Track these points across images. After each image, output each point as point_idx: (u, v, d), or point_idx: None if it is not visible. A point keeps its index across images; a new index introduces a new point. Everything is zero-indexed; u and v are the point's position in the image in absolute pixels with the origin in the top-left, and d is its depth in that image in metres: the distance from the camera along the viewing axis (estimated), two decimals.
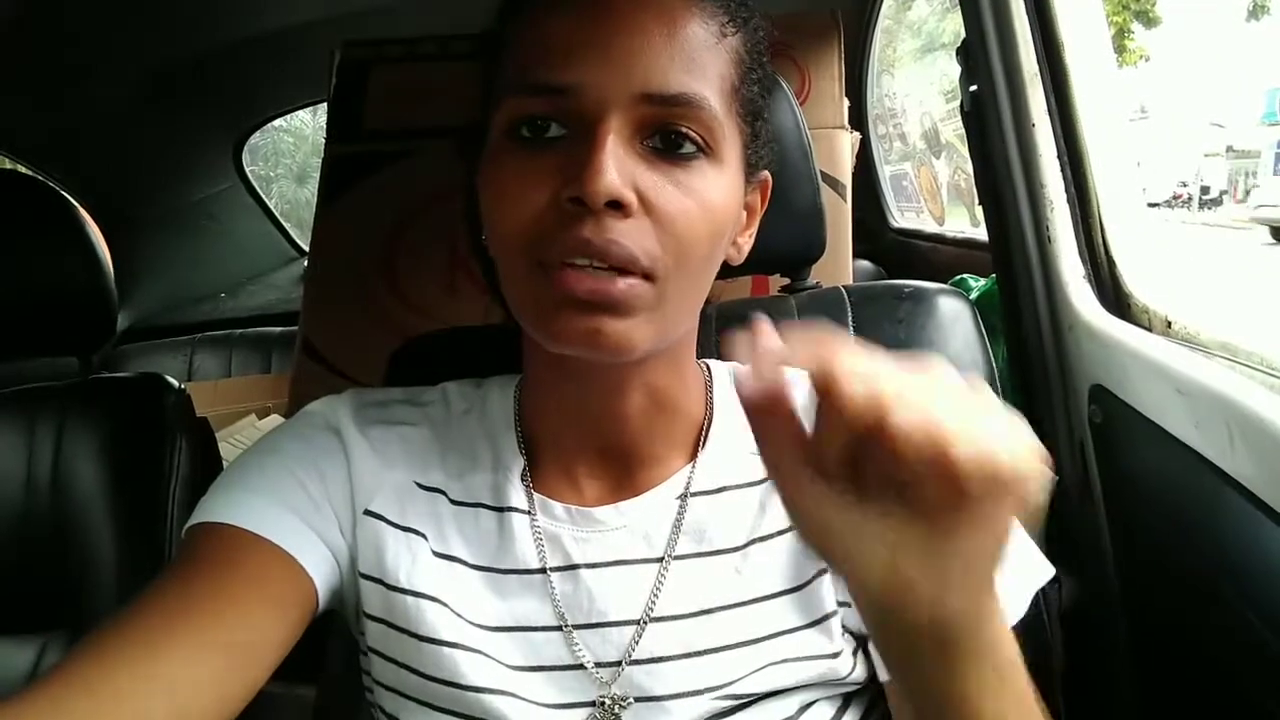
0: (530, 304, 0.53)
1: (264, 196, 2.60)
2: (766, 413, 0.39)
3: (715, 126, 0.52)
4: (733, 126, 0.54)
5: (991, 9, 1.01)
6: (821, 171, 0.94)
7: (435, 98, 1.19)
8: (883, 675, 0.59)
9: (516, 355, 0.64)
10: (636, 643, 0.58)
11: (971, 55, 1.06)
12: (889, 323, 0.86)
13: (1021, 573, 0.62)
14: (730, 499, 0.61)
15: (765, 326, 0.38)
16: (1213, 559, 0.74)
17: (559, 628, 0.58)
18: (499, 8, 0.58)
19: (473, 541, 0.60)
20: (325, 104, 1.64)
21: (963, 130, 1.14)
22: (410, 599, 0.58)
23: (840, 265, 1.39)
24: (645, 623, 0.58)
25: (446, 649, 0.57)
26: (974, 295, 1.23)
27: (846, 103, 1.54)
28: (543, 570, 0.59)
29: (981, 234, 1.34)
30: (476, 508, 0.61)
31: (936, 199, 2.45)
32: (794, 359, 0.37)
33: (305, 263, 2.26)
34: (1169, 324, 0.87)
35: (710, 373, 0.67)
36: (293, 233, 2.69)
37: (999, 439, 0.35)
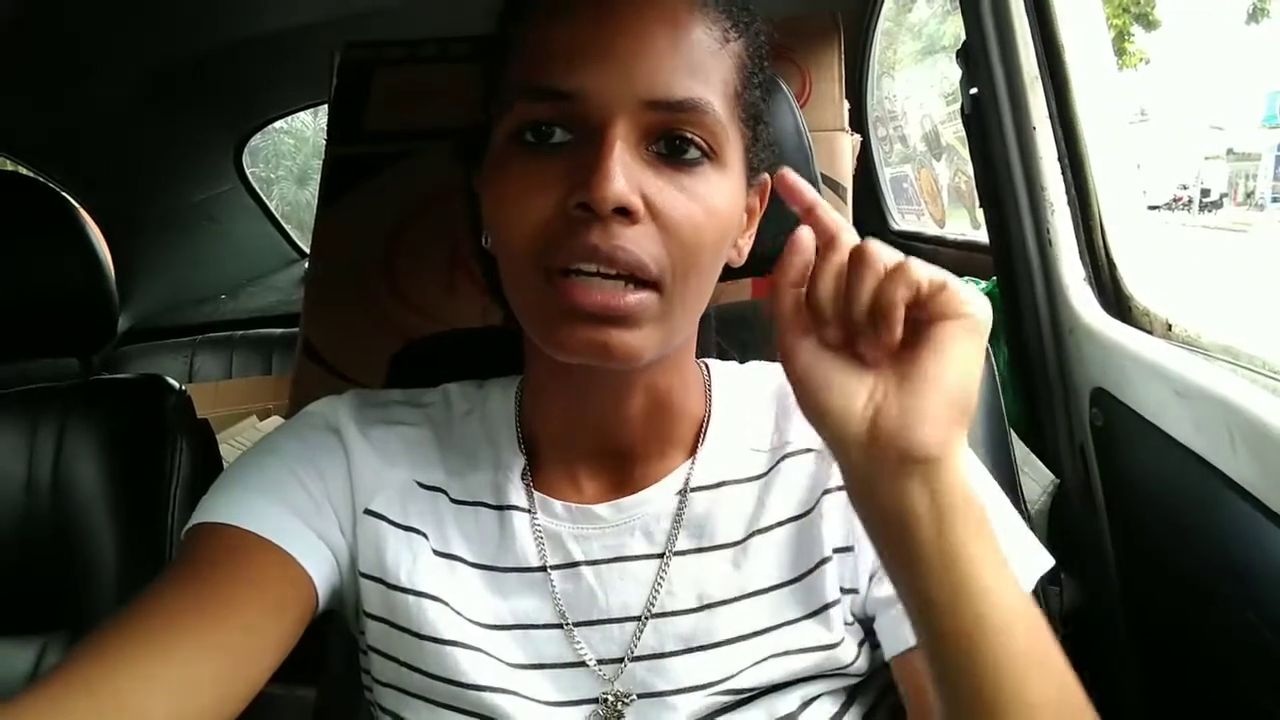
0: (536, 312, 0.53)
1: (265, 198, 2.61)
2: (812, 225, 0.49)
3: (719, 131, 0.52)
4: (735, 131, 0.55)
5: (992, 12, 1.01)
6: (822, 174, 0.94)
7: (436, 100, 1.19)
8: (888, 654, 0.59)
9: (518, 356, 0.64)
10: (638, 639, 0.58)
11: (972, 58, 1.06)
12: None
13: (1020, 556, 0.62)
14: (729, 494, 0.61)
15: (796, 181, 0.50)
16: (1213, 561, 0.75)
17: (560, 625, 0.58)
18: (500, 11, 0.58)
19: (473, 540, 0.60)
20: (326, 105, 1.64)
21: (963, 133, 1.14)
22: (411, 598, 0.58)
23: None
24: (647, 619, 0.58)
25: (447, 647, 0.57)
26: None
27: (847, 105, 1.54)
28: (543, 568, 0.59)
29: (982, 237, 1.34)
30: (477, 506, 0.61)
31: (937, 201, 2.45)
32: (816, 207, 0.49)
33: (306, 264, 2.26)
34: (1170, 327, 0.87)
35: (709, 372, 0.67)
36: (293, 234, 2.69)
37: (947, 274, 0.45)
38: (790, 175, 0.50)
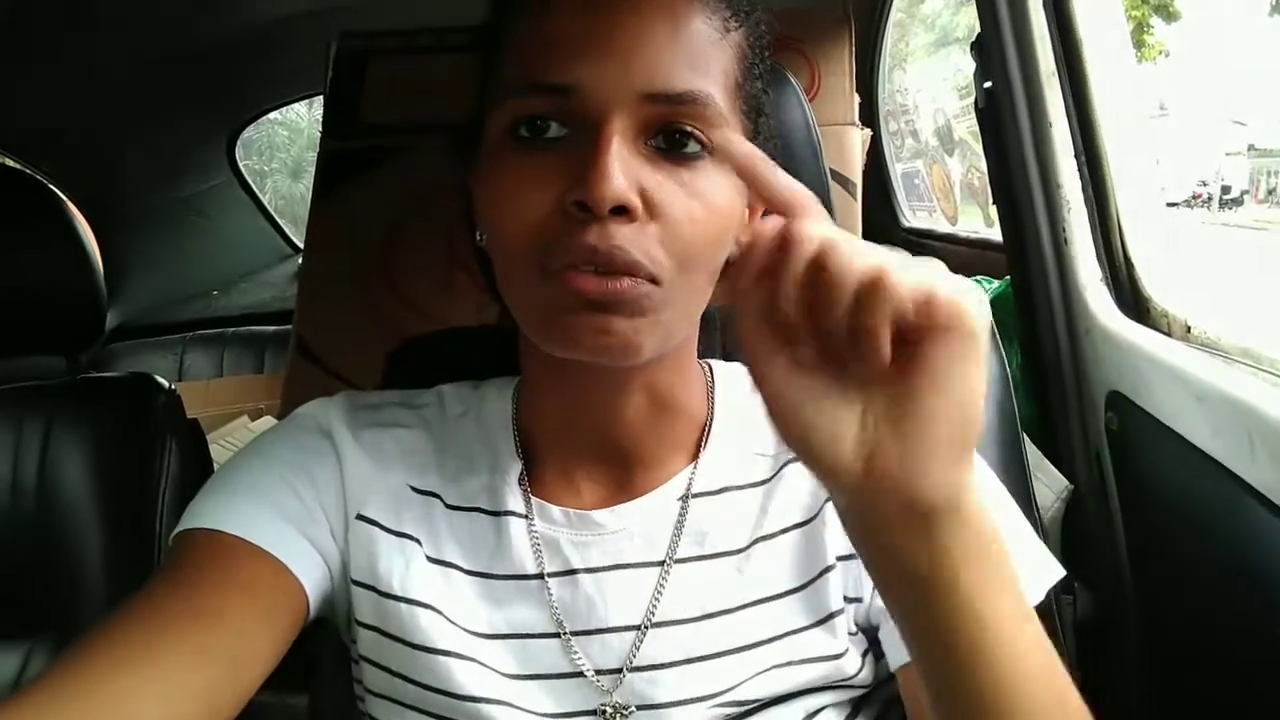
0: (535, 309, 0.53)
1: (258, 191, 2.61)
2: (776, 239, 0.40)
3: (720, 124, 0.52)
4: (736, 123, 0.54)
5: (1007, 3, 1.01)
6: (831, 169, 0.94)
7: (434, 91, 1.19)
8: (893, 664, 0.58)
9: (517, 356, 0.64)
10: (637, 649, 0.58)
11: (986, 51, 1.06)
12: None
13: (1029, 566, 0.62)
14: (732, 500, 0.61)
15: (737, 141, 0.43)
16: (1232, 570, 0.74)
17: (557, 635, 0.58)
18: (493, 1, 0.58)
19: (468, 547, 0.60)
20: (321, 97, 1.64)
21: (977, 128, 1.14)
22: (404, 606, 0.58)
23: None
24: (646, 628, 0.58)
25: (441, 657, 0.57)
26: (988, 298, 1.23)
27: (857, 99, 1.54)
28: (540, 576, 0.59)
29: (996, 235, 1.34)
30: (472, 512, 0.61)
31: (949, 198, 2.45)
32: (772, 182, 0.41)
33: (299, 260, 2.26)
34: (1189, 329, 0.87)
35: (712, 373, 0.67)
36: (287, 229, 2.69)
37: (933, 278, 0.38)
38: (726, 134, 0.47)
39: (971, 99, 1.12)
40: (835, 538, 0.59)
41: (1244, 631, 0.74)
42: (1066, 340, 1.02)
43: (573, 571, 0.59)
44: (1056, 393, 1.03)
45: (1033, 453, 0.99)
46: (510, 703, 0.57)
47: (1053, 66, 0.98)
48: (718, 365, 0.68)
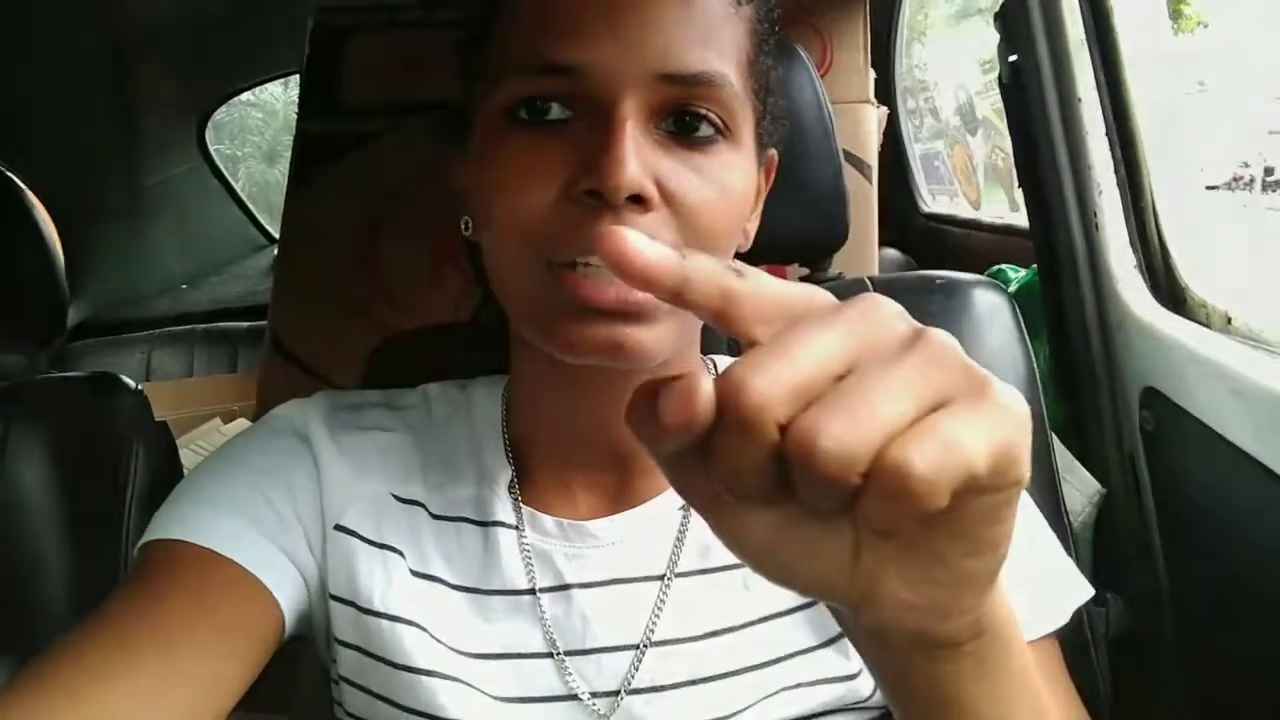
0: (538, 309, 0.53)
1: (230, 178, 2.61)
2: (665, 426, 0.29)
3: (734, 106, 0.52)
4: (748, 103, 0.55)
5: None
6: (844, 150, 0.93)
7: (420, 70, 1.19)
8: None
9: (507, 353, 0.64)
10: (635, 670, 0.58)
11: (1011, 21, 1.06)
12: (918, 318, 0.85)
13: (1055, 586, 0.62)
14: None
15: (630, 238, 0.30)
16: (1277, 579, 0.74)
17: (550, 655, 0.58)
18: None
19: (455, 560, 0.60)
20: (297, 76, 1.64)
21: (1001, 105, 1.14)
22: (385, 623, 0.58)
23: (865, 254, 1.38)
24: (645, 647, 0.58)
25: (425, 678, 0.57)
26: (1013, 288, 1.23)
27: (872, 74, 1.53)
28: (531, 591, 0.59)
29: (1021, 220, 1.34)
30: (459, 522, 0.61)
31: (972, 181, 2.45)
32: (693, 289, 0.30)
33: (274, 251, 2.26)
34: (1229, 320, 0.87)
35: (716, 369, 0.67)
36: (261, 218, 2.70)
37: (961, 424, 0.28)
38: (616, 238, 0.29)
39: (995, 74, 1.12)
40: None
41: None
42: (1098, 333, 1.02)
43: (566, 586, 0.59)
44: (1087, 390, 1.03)
45: (1062, 455, 0.99)
46: None
47: (1082, 38, 0.98)
48: (724, 362, 0.68)
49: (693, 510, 0.60)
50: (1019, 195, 1.14)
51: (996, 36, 1.10)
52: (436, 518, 0.61)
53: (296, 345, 1.43)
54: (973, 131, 2.46)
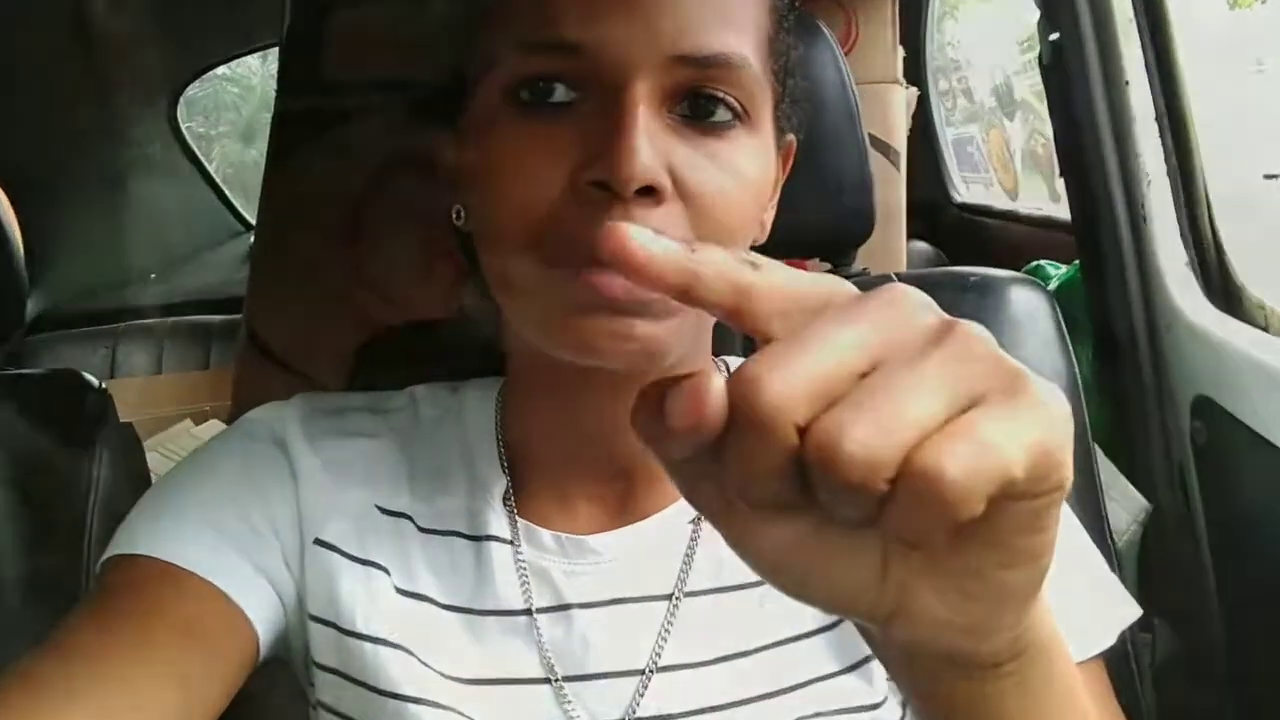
0: (537, 306, 0.52)
1: (203, 159, 2.62)
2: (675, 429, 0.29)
3: (754, 88, 0.52)
4: (766, 85, 0.55)
5: None
6: (870, 135, 0.93)
7: (409, 43, 1.19)
8: None
9: (501, 353, 0.64)
10: (641, 697, 0.58)
11: None
12: (951, 316, 0.86)
13: (1100, 604, 0.62)
14: None
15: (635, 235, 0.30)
16: None
17: (547, 680, 0.58)
18: None
19: (444, 577, 0.60)
20: (276, 49, 1.64)
21: (1041, 86, 1.14)
22: (368, 646, 0.58)
23: (892, 248, 1.38)
24: (651, 673, 0.58)
25: (411, 705, 0.57)
26: (1053, 286, 1.23)
27: (901, 52, 1.53)
28: (528, 611, 0.59)
29: (1063, 212, 1.34)
30: (449, 536, 0.61)
31: (1009, 168, 2.44)
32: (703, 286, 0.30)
33: (251, 238, 2.26)
34: None
35: (729, 372, 0.67)
36: (236, 202, 2.70)
37: (995, 424, 0.27)
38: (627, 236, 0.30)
39: (1035, 53, 1.12)
40: None
41: None
42: (1145, 336, 1.02)
43: (565, 607, 0.59)
44: (1134, 398, 1.03)
45: (1106, 468, 0.99)
46: None
47: (1130, 15, 0.98)
48: (735, 363, 0.68)
49: (704, 524, 0.60)
50: (1060, 185, 1.14)
51: (1036, 12, 1.10)
52: (425, 531, 0.61)
53: (274, 341, 1.44)
54: (1010, 115, 2.46)
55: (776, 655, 0.58)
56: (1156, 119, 0.98)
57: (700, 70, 0.50)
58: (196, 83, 2.48)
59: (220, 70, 2.72)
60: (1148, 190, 0.99)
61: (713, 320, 0.58)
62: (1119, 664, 0.61)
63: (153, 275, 2.56)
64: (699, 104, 0.51)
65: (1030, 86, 2.38)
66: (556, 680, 0.58)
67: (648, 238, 0.29)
